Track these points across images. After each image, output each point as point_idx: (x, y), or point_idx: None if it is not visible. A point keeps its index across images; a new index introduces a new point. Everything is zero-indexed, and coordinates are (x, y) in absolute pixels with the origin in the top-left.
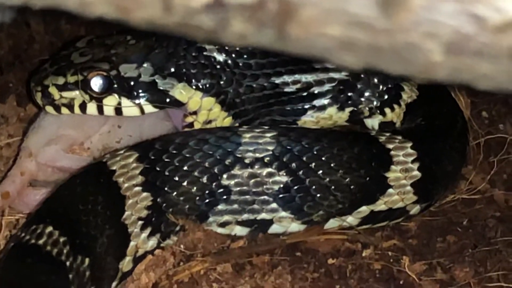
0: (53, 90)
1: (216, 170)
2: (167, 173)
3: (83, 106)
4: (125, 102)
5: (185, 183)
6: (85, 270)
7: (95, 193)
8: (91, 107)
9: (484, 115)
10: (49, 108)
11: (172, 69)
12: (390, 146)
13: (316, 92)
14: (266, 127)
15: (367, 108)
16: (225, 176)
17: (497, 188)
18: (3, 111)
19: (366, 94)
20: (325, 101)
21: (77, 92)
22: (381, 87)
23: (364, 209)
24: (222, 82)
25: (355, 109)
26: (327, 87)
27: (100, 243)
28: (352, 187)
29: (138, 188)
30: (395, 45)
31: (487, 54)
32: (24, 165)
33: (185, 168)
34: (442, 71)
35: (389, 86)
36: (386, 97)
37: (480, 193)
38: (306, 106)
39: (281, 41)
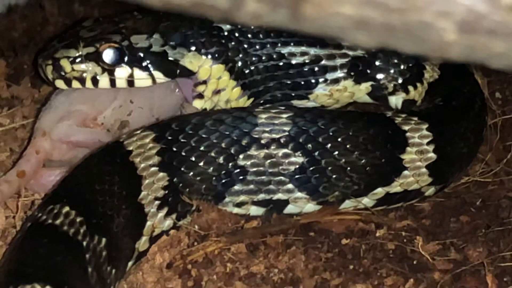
0: (64, 62)
1: (232, 151)
2: (183, 154)
3: (95, 79)
4: (137, 72)
5: (201, 164)
6: (102, 250)
7: (112, 173)
8: (103, 80)
9: (497, 96)
10: (59, 82)
11: (181, 39)
12: (406, 127)
13: (327, 65)
14: (282, 108)
15: (391, 84)
16: (241, 156)
17: (510, 168)
18: (18, 93)
19: (388, 70)
20: (339, 74)
21: (89, 64)
22: (402, 65)
23: (380, 191)
24: (229, 51)
25: (375, 83)
26: (340, 61)
27: (117, 223)
28: (367, 168)
29: (154, 169)
30: (408, 24)
31: (500, 33)
32: (39, 144)
33: (202, 148)
34: (455, 50)
35: (410, 64)
36: (408, 75)
37: (494, 174)
38: (318, 79)
39: (295, 20)
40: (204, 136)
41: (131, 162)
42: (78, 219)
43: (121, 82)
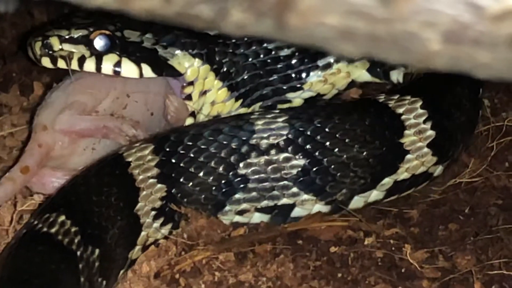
0: (54, 40)
1: (232, 160)
2: (182, 165)
3: (81, 61)
4: (125, 62)
5: (201, 174)
6: (95, 260)
7: (110, 184)
8: (90, 63)
9: (486, 104)
10: (45, 60)
11: (172, 40)
12: (400, 110)
13: (316, 52)
14: (277, 111)
15: None
16: (241, 165)
17: (499, 175)
18: (6, 101)
19: None
20: (330, 58)
21: (78, 46)
22: None
23: (388, 181)
24: (216, 53)
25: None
26: None
27: (111, 234)
28: (370, 160)
29: (153, 180)
30: (393, 34)
31: (485, 43)
32: (41, 138)
33: (201, 159)
34: (440, 60)
35: None
36: None
37: (481, 179)
38: (310, 67)
39: (280, 30)
40: (203, 146)
41: (129, 173)
42: (73, 229)
43: (107, 69)
